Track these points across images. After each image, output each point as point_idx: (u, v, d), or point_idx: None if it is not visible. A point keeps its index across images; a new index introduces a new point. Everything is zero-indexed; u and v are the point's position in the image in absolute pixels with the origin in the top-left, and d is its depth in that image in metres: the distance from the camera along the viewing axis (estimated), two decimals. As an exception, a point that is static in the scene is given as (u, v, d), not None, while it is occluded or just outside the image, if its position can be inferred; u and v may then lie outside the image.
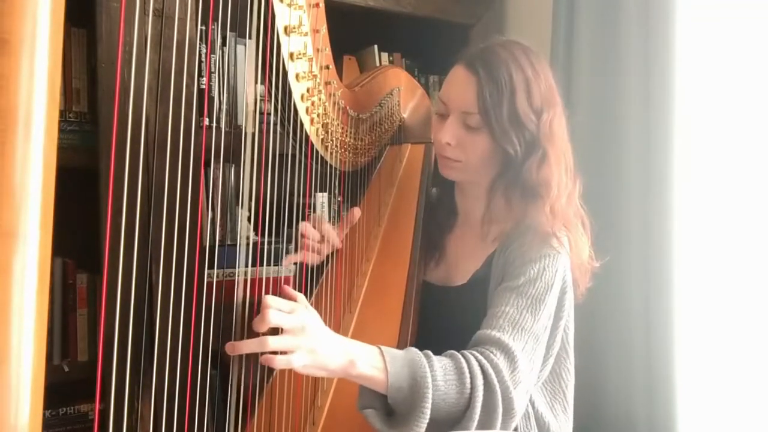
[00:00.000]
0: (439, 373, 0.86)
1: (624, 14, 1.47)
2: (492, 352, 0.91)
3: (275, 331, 0.81)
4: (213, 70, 1.47)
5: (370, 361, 0.85)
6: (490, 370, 0.89)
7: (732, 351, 1.32)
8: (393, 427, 0.85)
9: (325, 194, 1.56)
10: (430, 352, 0.89)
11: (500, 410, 0.88)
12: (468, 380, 0.87)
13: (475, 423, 0.86)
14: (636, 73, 1.45)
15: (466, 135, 1.07)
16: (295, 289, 0.91)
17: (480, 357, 0.90)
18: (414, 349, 0.90)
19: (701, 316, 1.36)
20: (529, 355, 0.95)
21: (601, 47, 1.53)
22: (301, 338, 0.80)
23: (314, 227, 1.15)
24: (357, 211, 1.19)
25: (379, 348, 0.87)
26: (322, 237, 1.15)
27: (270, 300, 0.81)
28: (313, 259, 1.15)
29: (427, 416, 0.84)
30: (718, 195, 1.34)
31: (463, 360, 0.89)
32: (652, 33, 1.41)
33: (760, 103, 1.28)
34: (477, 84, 1.04)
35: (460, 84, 1.07)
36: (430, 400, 0.84)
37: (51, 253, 0.44)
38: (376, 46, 1.82)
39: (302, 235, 1.13)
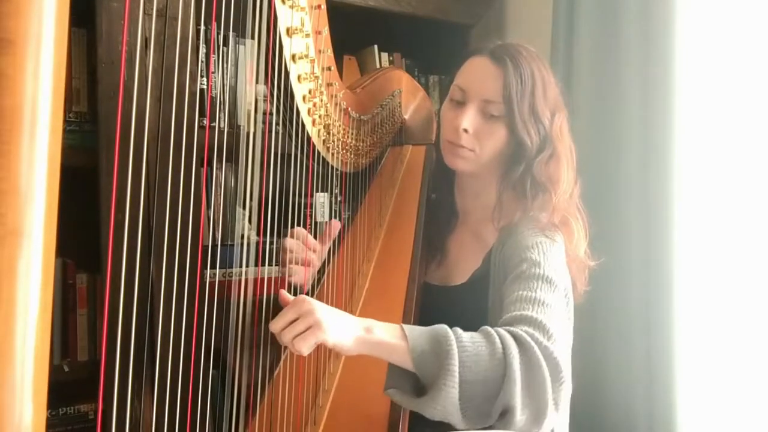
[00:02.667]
0: (464, 335, 0.82)
1: (624, 14, 1.48)
2: (519, 326, 0.85)
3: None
4: (213, 70, 1.47)
5: (388, 330, 0.83)
6: (521, 332, 0.82)
7: (732, 351, 1.32)
8: (422, 397, 0.81)
9: (326, 194, 1.56)
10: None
11: (545, 370, 0.80)
12: (497, 340, 0.81)
13: (518, 385, 0.78)
14: (636, 73, 1.45)
15: (484, 123, 1.09)
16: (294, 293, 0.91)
17: (507, 327, 0.85)
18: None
19: (701, 316, 1.36)
20: (558, 326, 0.87)
21: (601, 47, 1.53)
22: (315, 315, 0.81)
23: (296, 239, 1.10)
24: (336, 224, 1.16)
25: (399, 324, 0.85)
26: (308, 250, 1.11)
27: (273, 321, 0.83)
28: (300, 277, 1.11)
29: (456, 375, 0.78)
30: (718, 195, 1.34)
31: (489, 328, 0.85)
32: (652, 33, 1.41)
33: (760, 103, 1.28)
34: (503, 74, 1.07)
35: (484, 72, 1.09)
36: (456, 357, 0.79)
37: (58, 252, 0.45)
38: (376, 46, 1.82)
39: (286, 250, 1.08)
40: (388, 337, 0.82)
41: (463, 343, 0.81)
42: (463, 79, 1.13)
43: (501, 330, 0.83)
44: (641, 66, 1.44)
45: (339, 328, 0.81)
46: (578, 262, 1.10)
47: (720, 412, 1.34)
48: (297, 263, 1.09)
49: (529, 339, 0.82)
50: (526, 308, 0.89)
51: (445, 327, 0.84)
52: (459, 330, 0.84)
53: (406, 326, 0.84)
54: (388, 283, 1.14)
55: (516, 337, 0.82)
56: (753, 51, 1.29)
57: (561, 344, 0.85)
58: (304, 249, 1.10)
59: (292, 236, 1.10)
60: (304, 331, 0.80)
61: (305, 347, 0.80)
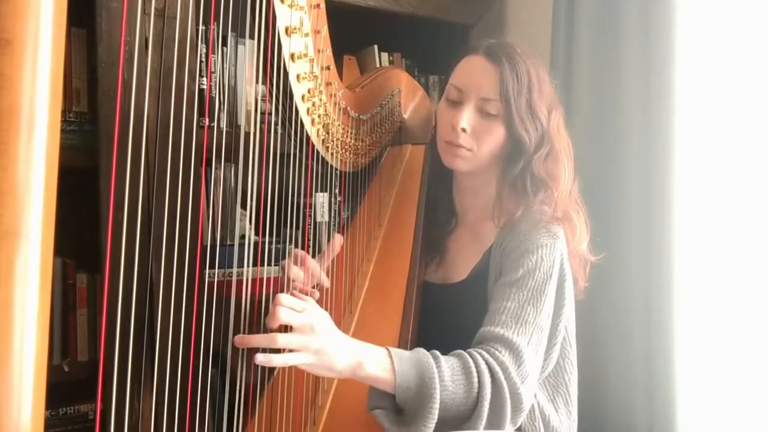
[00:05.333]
0: (446, 373, 0.87)
1: (624, 14, 1.47)
2: (497, 349, 0.92)
3: (286, 329, 0.82)
4: (213, 70, 1.47)
5: (378, 362, 0.86)
6: (497, 368, 0.89)
7: (732, 351, 1.32)
8: (402, 426, 0.86)
9: (326, 194, 1.56)
10: (437, 352, 0.90)
11: (508, 407, 0.89)
12: (476, 379, 0.87)
13: (484, 421, 0.87)
14: (636, 72, 1.45)
15: (482, 122, 1.09)
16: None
17: (486, 355, 0.90)
18: (422, 350, 0.90)
19: (701, 316, 1.36)
20: (535, 347, 0.96)
21: (601, 48, 1.53)
22: (310, 337, 0.81)
23: (297, 264, 1.05)
24: (339, 239, 1.12)
25: (387, 349, 0.88)
26: (307, 273, 1.07)
27: (283, 298, 0.83)
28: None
29: (435, 416, 0.84)
30: (718, 195, 1.34)
31: (470, 359, 0.89)
32: (652, 33, 1.41)
33: (760, 103, 1.28)
34: (499, 72, 1.07)
35: (481, 71, 1.09)
36: (438, 400, 0.84)
37: (57, 252, 0.45)
38: (376, 46, 1.82)
39: (286, 275, 1.05)
40: (377, 372, 0.85)
41: (445, 382, 0.86)
42: (459, 79, 1.13)
43: (481, 364, 0.89)
44: (641, 65, 1.44)
45: (325, 364, 0.82)
46: (580, 256, 1.11)
47: (720, 412, 1.34)
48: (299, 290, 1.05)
49: (501, 376, 0.89)
50: (509, 326, 0.95)
51: (431, 364, 0.87)
52: (442, 363, 0.88)
53: (394, 354, 0.87)
54: (387, 282, 1.14)
55: (493, 374, 0.89)
56: (753, 50, 1.28)
57: (530, 367, 0.93)
58: (305, 278, 1.06)
59: (292, 260, 1.05)
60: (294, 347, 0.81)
61: (279, 364, 0.81)
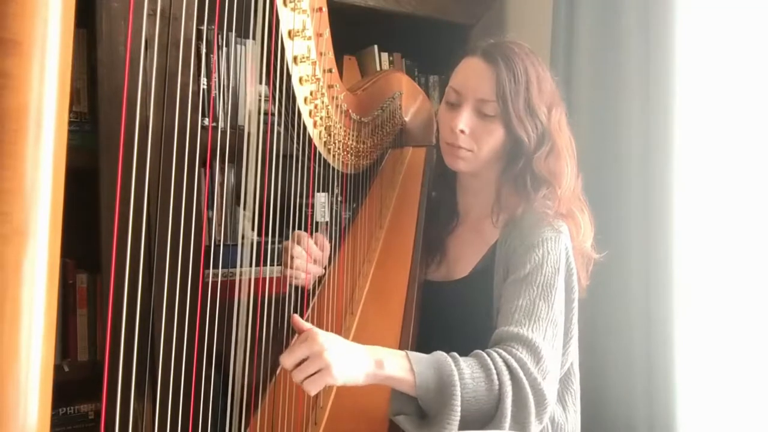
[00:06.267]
0: (466, 371, 0.87)
1: (624, 15, 1.48)
2: (514, 347, 0.92)
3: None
4: (214, 70, 1.47)
5: (397, 362, 0.86)
6: (515, 365, 0.89)
7: (732, 350, 1.32)
8: (425, 429, 0.86)
9: (326, 194, 1.56)
10: (456, 354, 0.90)
11: (532, 403, 0.88)
12: (495, 377, 0.87)
13: (508, 418, 0.87)
14: (636, 71, 1.45)
15: (480, 123, 1.09)
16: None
17: (504, 353, 0.90)
18: (440, 352, 0.90)
19: (701, 316, 1.36)
20: (551, 342, 0.95)
21: (601, 48, 1.54)
22: (324, 357, 0.81)
23: (299, 243, 1.12)
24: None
25: (405, 352, 0.88)
26: (310, 254, 1.13)
27: (284, 355, 0.84)
28: (302, 281, 1.13)
29: (458, 414, 0.84)
30: (718, 195, 1.34)
31: (488, 357, 0.89)
32: (652, 33, 1.42)
33: (760, 103, 1.28)
34: (496, 73, 1.07)
35: (477, 73, 1.09)
36: (459, 398, 0.84)
37: (60, 253, 0.45)
38: (376, 46, 1.82)
39: (291, 257, 1.10)
40: (397, 371, 0.85)
41: (465, 381, 0.86)
42: (457, 81, 1.13)
43: (499, 362, 0.89)
44: (641, 64, 1.44)
45: (348, 367, 0.83)
46: (583, 254, 1.11)
47: (720, 412, 1.34)
48: (300, 269, 1.11)
49: (520, 373, 0.89)
50: (523, 323, 0.95)
51: (450, 364, 0.87)
52: (461, 364, 0.88)
53: (412, 356, 0.87)
54: (388, 283, 1.14)
55: (511, 371, 0.89)
56: (753, 50, 1.29)
57: (550, 363, 0.93)
58: (306, 257, 1.12)
59: (294, 241, 1.11)
60: (314, 373, 0.81)
61: (314, 389, 0.82)
